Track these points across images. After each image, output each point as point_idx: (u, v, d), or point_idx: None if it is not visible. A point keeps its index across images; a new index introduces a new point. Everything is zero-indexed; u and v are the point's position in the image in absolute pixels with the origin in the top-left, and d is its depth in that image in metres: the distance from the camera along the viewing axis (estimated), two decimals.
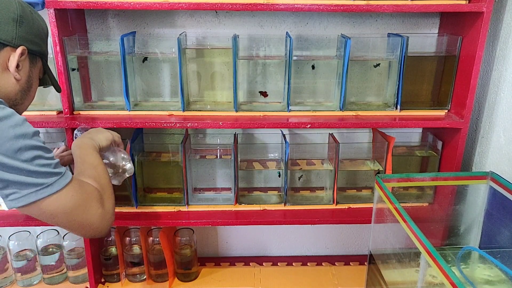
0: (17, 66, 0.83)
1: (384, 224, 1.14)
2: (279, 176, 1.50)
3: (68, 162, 1.20)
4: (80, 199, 0.81)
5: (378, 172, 1.42)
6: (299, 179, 1.54)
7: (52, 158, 0.79)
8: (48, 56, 0.96)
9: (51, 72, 0.97)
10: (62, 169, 0.80)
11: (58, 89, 1.02)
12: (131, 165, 1.14)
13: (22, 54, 0.83)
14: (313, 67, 1.38)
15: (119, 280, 1.53)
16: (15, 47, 0.82)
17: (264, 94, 1.42)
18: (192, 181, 1.48)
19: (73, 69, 1.29)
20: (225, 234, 1.70)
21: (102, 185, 0.91)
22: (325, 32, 1.40)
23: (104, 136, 1.05)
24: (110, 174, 1.09)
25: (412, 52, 1.29)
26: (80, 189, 0.83)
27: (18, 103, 0.87)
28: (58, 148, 1.21)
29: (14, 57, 0.82)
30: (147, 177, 1.46)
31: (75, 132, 1.18)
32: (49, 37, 1.17)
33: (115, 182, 1.13)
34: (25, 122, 0.76)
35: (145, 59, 1.36)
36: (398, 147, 1.48)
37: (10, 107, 0.83)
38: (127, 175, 1.15)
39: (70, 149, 1.21)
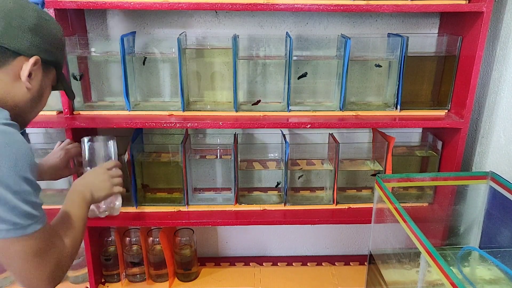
0: (30, 75, 0.82)
1: (384, 224, 1.14)
2: (277, 185, 1.50)
3: (74, 154, 1.21)
4: (42, 250, 0.76)
5: (378, 172, 1.42)
6: (298, 179, 1.54)
7: (37, 197, 0.76)
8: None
9: (65, 79, 0.96)
10: (41, 212, 0.76)
11: (71, 96, 1.00)
12: (119, 207, 1.15)
13: (35, 63, 0.81)
14: (304, 74, 1.37)
15: (119, 280, 1.53)
16: (29, 56, 0.81)
17: (257, 102, 1.41)
18: (192, 181, 1.48)
19: (75, 77, 1.29)
20: (225, 234, 1.70)
21: (73, 242, 0.86)
22: (325, 32, 1.40)
23: (104, 193, 1.04)
24: (96, 212, 1.11)
25: (412, 52, 1.29)
26: (47, 239, 0.78)
27: (28, 111, 0.86)
28: (62, 142, 1.22)
29: (27, 66, 0.81)
30: (147, 177, 1.46)
31: (85, 140, 1.17)
32: None
33: (101, 215, 1.14)
34: (29, 151, 0.74)
35: (145, 59, 1.36)
36: (398, 147, 1.48)
37: (19, 114, 0.83)
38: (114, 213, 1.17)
39: (76, 142, 1.22)
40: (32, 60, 0.81)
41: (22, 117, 0.86)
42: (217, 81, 1.39)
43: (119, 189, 1.09)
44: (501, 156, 1.24)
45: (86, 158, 1.17)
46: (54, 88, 0.94)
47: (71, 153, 1.19)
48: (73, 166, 1.24)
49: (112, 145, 1.19)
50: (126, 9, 1.31)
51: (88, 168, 1.16)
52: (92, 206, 1.08)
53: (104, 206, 1.13)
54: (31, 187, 0.74)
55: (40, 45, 0.83)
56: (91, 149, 1.17)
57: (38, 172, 1.14)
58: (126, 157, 1.32)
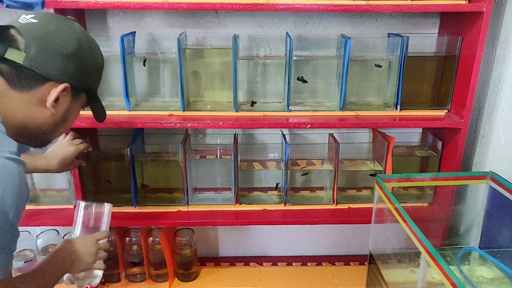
0: (57, 99, 0.80)
1: (384, 224, 1.14)
2: (276, 186, 1.50)
3: (83, 150, 1.22)
4: None
5: (377, 172, 1.42)
6: (302, 175, 1.54)
7: (13, 242, 0.70)
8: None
9: (97, 103, 0.94)
10: (8, 260, 0.70)
11: (98, 119, 0.97)
12: (100, 277, 1.10)
13: (63, 90, 0.79)
14: (301, 80, 1.37)
15: (119, 280, 1.53)
16: (59, 82, 0.79)
17: (252, 103, 1.41)
18: (192, 181, 1.48)
19: None
20: (225, 234, 1.70)
21: None
22: (325, 32, 1.40)
23: (84, 267, 1.00)
24: (73, 280, 1.07)
25: (412, 52, 1.28)
26: None
27: (49, 133, 0.85)
28: (67, 135, 1.22)
29: (54, 92, 0.78)
30: (147, 177, 1.46)
31: (81, 204, 1.14)
32: None
33: (78, 284, 1.10)
34: (20, 194, 0.69)
35: (145, 59, 1.36)
36: (398, 147, 1.48)
37: (39, 135, 0.83)
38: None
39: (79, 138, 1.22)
40: (60, 87, 0.79)
41: (42, 138, 0.85)
42: (217, 81, 1.39)
43: (100, 265, 1.05)
44: (501, 156, 1.24)
45: (79, 222, 1.13)
46: (84, 108, 0.91)
47: (80, 149, 1.20)
48: (77, 159, 1.24)
49: (107, 213, 1.15)
50: (126, 9, 1.31)
51: (78, 232, 1.12)
52: (69, 275, 1.04)
53: (81, 276, 1.06)
54: (9, 230, 0.67)
55: (73, 73, 0.80)
56: (85, 215, 1.14)
57: (46, 166, 1.13)
58: (128, 150, 1.33)
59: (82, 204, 1.14)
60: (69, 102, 0.83)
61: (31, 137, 0.82)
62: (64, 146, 1.19)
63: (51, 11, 1.15)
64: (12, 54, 0.74)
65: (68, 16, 0.83)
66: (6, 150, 0.69)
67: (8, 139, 0.72)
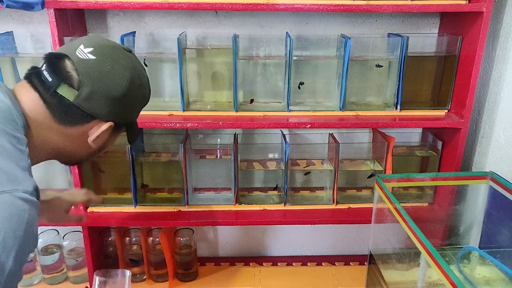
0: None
1: (384, 224, 1.14)
2: (276, 187, 1.50)
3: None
4: None
5: (374, 174, 1.42)
6: (305, 175, 1.54)
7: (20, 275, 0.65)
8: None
9: (134, 131, 0.92)
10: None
11: (130, 141, 0.94)
12: None
13: (107, 128, 0.80)
14: (300, 84, 1.37)
15: None
16: (104, 120, 0.79)
17: (251, 101, 1.41)
18: (192, 181, 1.48)
19: None
20: (225, 234, 1.70)
21: None
22: (325, 32, 1.40)
23: None
24: None
25: (412, 52, 1.29)
26: None
27: (83, 159, 0.87)
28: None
29: (98, 130, 0.79)
30: (147, 177, 1.46)
31: (96, 279, 1.08)
32: (50, 38, 1.17)
33: None
34: (23, 238, 0.64)
35: (145, 59, 1.36)
36: (398, 147, 1.48)
37: (73, 160, 0.85)
38: None
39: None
40: (104, 126, 0.79)
41: (76, 161, 0.87)
42: (217, 81, 1.39)
43: None
44: (501, 156, 1.24)
45: None
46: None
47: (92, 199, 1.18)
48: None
49: (127, 282, 1.09)
50: (126, 9, 1.31)
51: None
52: None
53: None
54: (4, 282, 0.61)
55: (119, 113, 0.80)
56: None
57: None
58: (128, 150, 1.32)
59: (97, 279, 1.06)
60: (108, 136, 0.83)
61: (66, 160, 0.84)
62: (80, 194, 1.18)
63: (51, 11, 1.14)
64: (64, 91, 0.74)
65: (125, 47, 0.82)
66: (21, 188, 0.65)
67: (28, 177, 0.69)
